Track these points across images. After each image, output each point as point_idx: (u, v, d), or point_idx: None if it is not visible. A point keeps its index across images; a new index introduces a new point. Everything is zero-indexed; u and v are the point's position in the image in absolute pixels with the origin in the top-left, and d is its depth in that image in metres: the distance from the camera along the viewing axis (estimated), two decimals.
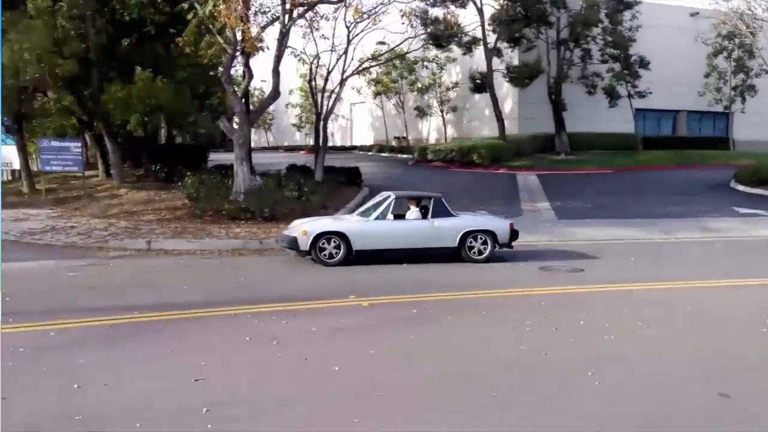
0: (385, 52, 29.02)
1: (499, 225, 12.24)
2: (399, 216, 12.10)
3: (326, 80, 23.07)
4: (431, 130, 49.68)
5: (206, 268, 11.60)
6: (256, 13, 18.96)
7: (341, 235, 11.48)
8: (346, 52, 22.09)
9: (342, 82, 22.50)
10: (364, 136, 56.73)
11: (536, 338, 6.80)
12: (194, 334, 6.98)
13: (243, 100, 18.88)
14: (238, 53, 18.66)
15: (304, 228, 11.61)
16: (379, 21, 21.58)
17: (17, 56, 18.80)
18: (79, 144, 22.57)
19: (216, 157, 31.48)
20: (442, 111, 45.73)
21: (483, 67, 36.37)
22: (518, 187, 25.15)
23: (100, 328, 7.13)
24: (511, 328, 7.23)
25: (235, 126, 18.47)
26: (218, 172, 20.58)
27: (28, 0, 19.97)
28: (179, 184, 18.41)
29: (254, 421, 4.66)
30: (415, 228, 11.88)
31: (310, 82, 23.81)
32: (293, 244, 11.62)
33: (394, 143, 50.09)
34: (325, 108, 22.65)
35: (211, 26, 17.74)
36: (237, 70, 25.46)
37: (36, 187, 24.75)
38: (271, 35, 18.60)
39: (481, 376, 5.68)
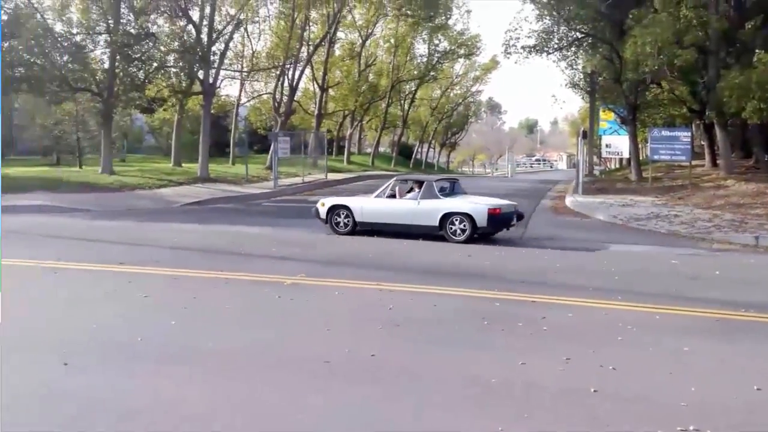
0: None
1: (478, 209, 12.39)
2: (395, 196, 13.36)
3: None
4: None
5: None
6: None
7: (347, 208, 13.23)
8: None
9: None
10: None
11: None
12: None
13: None
14: None
15: (323, 201, 13.80)
16: None
17: (639, 50, 19.92)
18: (688, 133, 22.56)
19: None
20: None
21: None
22: None
23: (705, 319, 6.98)
24: None
25: None
26: None
27: None
28: None
29: None
30: (403, 207, 13.00)
31: None
32: (317, 213, 13.69)
33: None
34: None
35: None
36: None
37: (643, 175, 25.91)
38: None
39: None
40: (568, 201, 20.23)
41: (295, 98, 37.16)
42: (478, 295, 7.86)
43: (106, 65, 24.88)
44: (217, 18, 28.05)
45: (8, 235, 12.42)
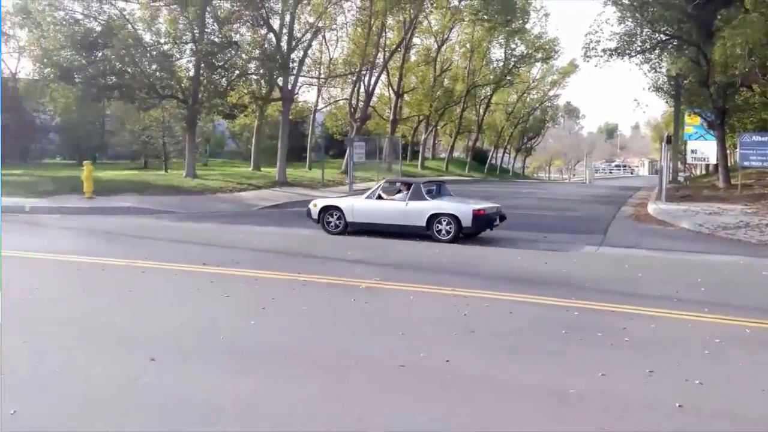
0: None
1: (463, 210, 12.77)
2: (384, 197, 13.72)
3: None
4: None
5: None
6: None
7: (338, 209, 13.62)
8: None
9: None
10: None
11: None
12: None
13: None
14: None
15: (315, 201, 14.23)
16: None
17: (729, 52, 19.07)
18: None
19: None
20: None
21: None
22: None
23: None
24: None
25: None
26: None
27: None
28: None
29: None
30: (392, 208, 13.37)
31: None
32: (309, 214, 14.09)
33: None
34: None
35: None
36: None
37: (731, 182, 24.75)
38: None
39: None
40: (651, 208, 19.53)
41: (370, 104, 37.56)
42: (555, 303, 7.72)
43: (192, 73, 25.87)
44: (296, 26, 28.72)
45: (102, 235, 13.27)
